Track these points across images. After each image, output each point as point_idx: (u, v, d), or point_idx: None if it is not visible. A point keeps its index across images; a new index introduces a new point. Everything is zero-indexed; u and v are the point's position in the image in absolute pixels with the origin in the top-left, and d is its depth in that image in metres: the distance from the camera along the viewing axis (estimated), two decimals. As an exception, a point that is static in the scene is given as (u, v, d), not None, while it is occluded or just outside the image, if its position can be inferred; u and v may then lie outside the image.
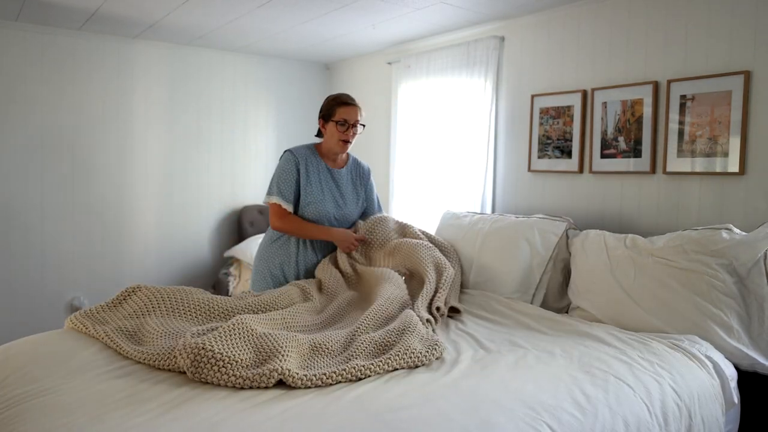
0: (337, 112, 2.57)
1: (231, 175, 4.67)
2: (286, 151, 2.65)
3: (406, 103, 4.13)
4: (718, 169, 2.55)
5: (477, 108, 3.57)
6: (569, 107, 3.13)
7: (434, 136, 3.90)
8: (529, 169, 3.36)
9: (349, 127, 2.57)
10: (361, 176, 2.77)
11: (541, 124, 3.28)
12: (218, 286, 4.33)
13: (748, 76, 2.46)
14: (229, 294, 4.12)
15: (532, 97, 3.33)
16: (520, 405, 1.54)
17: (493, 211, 3.56)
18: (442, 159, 3.84)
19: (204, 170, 4.54)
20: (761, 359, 2.07)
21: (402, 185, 4.20)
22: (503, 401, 1.56)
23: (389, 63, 4.29)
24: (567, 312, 2.65)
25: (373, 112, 4.60)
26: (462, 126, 3.67)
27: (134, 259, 4.28)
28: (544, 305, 2.67)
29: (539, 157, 3.30)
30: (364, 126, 2.64)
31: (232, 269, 4.36)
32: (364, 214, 2.82)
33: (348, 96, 2.63)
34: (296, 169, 2.58)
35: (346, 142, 2.60)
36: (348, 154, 2.77)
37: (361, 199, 2.76)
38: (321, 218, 2.61)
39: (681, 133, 2.68)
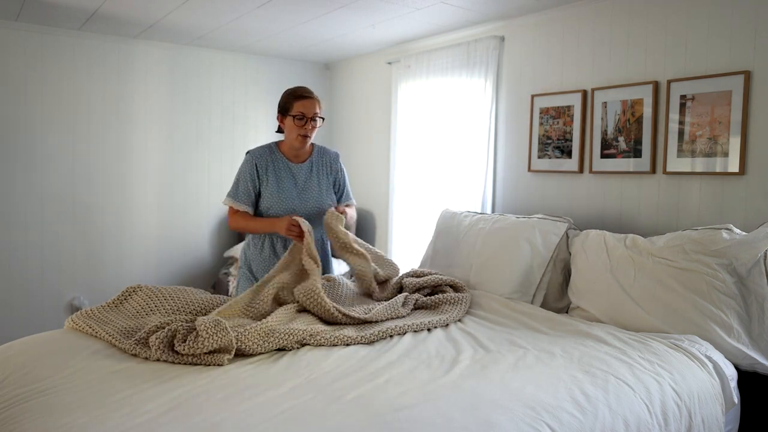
0: (294, 106, 2.50)
1: (231, 175, 4.59)
2: (246, 152, 2.65)
3: (406, 103, 4.12)
4: (718, 169, 2.55)
5: (477, 108, 3.57)
6: (569, 107, 3.13)
7: (434, 136, 3.89)
8: (529, 169, 3.36)
9: (307, 120, 2.50)
10: (328, 164, 2.68)
11: (541, 124, 3.28)
12: (218, 286, 4.33)
13: (748, 76, 2.46)
14: (229, 294, 4.12)
15: (532, 97, 3.33)
16: (520, 405, 1.54)
17: (493, 211, 3.56)
18: (442, 159, 3.83)
19: (204, 170, 4.54)
20: (761, 359, 2.07)
21: (402, 185, 4.20)
22: (503, 401, 1.56)
23: (389, 63, 4.29)
24: (567, 312, 2.65)
25: (373, 112, 4.60)
26: (462, 126, 3.67)
27: (134, 259, 4.28)
28: (544, 305, 2.67)
29: (539, 157, 3.30)
30: (323, 119, 2.58)
31: (232, 269, 4.35)
32: (339, 200, 2.73)
33: (305, 89, 2.56)
34: (255, 170, 2.56)
35: (305, 136, 2.53)
36: (312, 145, 2.69)
37: (329, 187, 2.68)
38: (286, 214, 2.53)
39: (681, 133, 2.68)
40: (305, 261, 2.38)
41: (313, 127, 2.54)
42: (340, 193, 2.72)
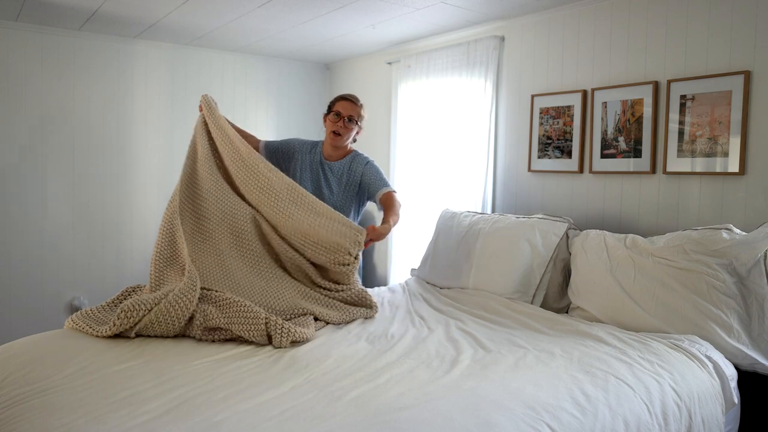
0: (336, 105, 2.81)
1: (231, 175, 4.67)
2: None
3: (406, 103, 4.12)
4: (718, 169, 2.55)
5: (477, 108, 3.57)
6: (569, 107, 3.13)
7: (434, 136, 3.89)
8: (529, 169, 3.36)
9: (341, 119, 2.75)
10: (355, 168, 2.82)
11: (541, 124, 3.28)
12: (218, 286, 4.33)
13: (748, 76, 2.46)
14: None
15: (532, 97, 3.33)
16: (520, 405, 1.54)
17: (493, 211, 3.56)
18: (442, 159, 3.83)
19: (204, 170, 4.54)
20: (761, 359, 2.07)
21: (402, 185, 4.19)
22: (503, 401, 1.56)
23: (389, 63, 4.29)
24: (567, 312, 2.65)
25: (373, 112, 4.59)
26: (462, 126, 3.67)
27: (134, 259, 4.28)
28: (544, 305, 2.67)
29: (539, 157, 3.30)
30: (358, 123, 2.81)
31: (232, 269, 4.35)
32: (368, 196, 2.84)
33: (351, 95, 2.85)
34: (292, 148, 2.89)
35: (336, 133, 2.76)
36: (352, 151, 2.89)
37: (350, 194, 2.82)
38: None
39: (681, 133, 2.68)
40: (218, 139, 2.62)
41: (347, 128, 2.76)
42: (368, 187, 2.79)
